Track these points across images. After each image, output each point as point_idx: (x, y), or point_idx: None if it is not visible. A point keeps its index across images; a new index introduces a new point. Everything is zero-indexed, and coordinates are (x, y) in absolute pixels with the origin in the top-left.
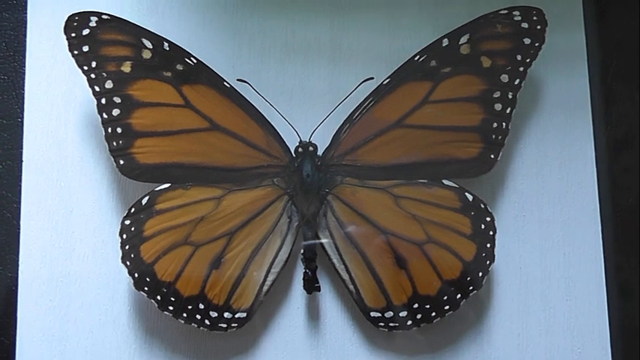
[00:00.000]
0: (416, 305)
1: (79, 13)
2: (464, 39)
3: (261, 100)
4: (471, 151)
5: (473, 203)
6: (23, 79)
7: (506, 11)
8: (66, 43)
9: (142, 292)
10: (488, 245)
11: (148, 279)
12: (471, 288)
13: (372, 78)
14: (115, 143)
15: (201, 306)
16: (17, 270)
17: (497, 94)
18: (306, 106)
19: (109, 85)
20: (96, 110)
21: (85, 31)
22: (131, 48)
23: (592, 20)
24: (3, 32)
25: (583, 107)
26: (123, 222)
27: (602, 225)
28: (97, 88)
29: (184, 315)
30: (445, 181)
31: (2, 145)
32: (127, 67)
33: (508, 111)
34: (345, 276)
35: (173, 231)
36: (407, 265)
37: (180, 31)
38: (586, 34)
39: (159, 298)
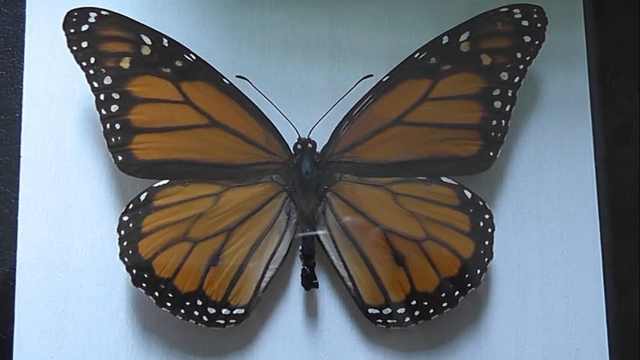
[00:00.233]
0: (414, 302)
1: (77, 8)
2: (464, 36)
3: (261, 97)
4: (471, 148)
5: (472, 200)
6: (21, 74)
7: (506, 9)
8: (65, 38)
9: (140, 288)
10: (487, 242)
11: (146, 275)
12: (469, 285)
13: (372, 75)
14: (113, 139)
15: (200, 302)
16: (15, 266)
17: (496, 92)
18: (306, 102)
19: (107, 81)
20: (94, 106)
21: (84, 27)
22: (130, 44)
23: (592, 18)
24: (1, 27)
25: (582, 105)
26: (121, 218)
27: (600, 222)
28: (95, 84)
29: (182, 311)
30: (444, 179)
31: (0, 140)
32: (125, 63)
33: (507, 109)
34: (344, 273)
35: (171, 227)
36: (405, 262)
37: (179, 27)
38: (586, 33)
39: (157, 294)
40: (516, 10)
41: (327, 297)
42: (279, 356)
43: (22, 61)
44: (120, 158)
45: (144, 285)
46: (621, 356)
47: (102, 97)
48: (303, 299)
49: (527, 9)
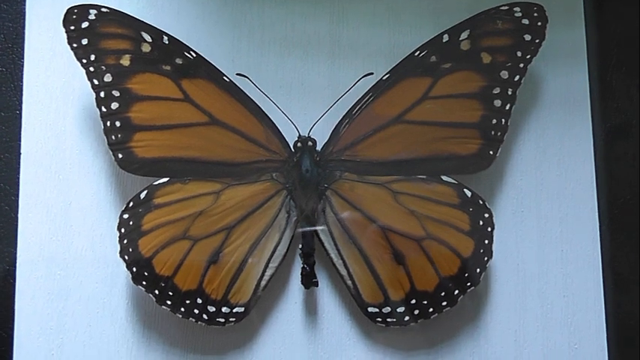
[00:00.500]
0: (413, 301)
1: (78, 5)
2: (464, 35)
3: (261, 95)
4: (471, 147)
5: (471, 199)
6: (22, 71)
7: (506, 7)
8: (65, 36)
9: (140, 286)
10: (487, 241)
11: (146, 273)
12: (468, 284)
13: (372, 73)
14: (113, 137)
15: (199, 300)
16: (15, 263)
17: (497, 91)
18: (306, 100)
19: (108, 78)
20: (95, 103)
21: (84, 24)
22: (130, 41)
23: (592, 17)
24: (1, 24)
25: (582, 104)
26: (121, 216)
27: (599, 221)
28: (95, 82)
29: (182, 309)
30: (444, 177)
31: (0, 137)
32: (126, 61)
33: (508, 107)
34: (343, 271)
35: (171, 225)
36: (405, 260)
37: (179, 24)
38: (586, 31)
39: (157, 292)
40: (517, 9)
41: (326, 295)
42: (278, 354)
43: (22, 58)
44: (120, 156)
45: (144, 283)
46: (620, 355)
47: (102, 94)
48: (302, 298)
49: (527, 7)
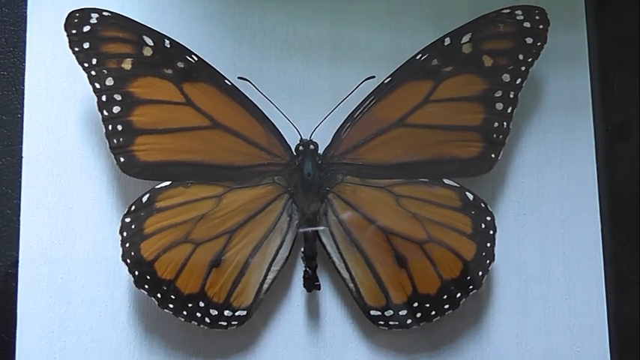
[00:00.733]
0: (416, 304)
1: (79, 9)
2: (466, 38)
3: (262, 98)
4: (472, 150)
5: (473, 202)
6: (23, 74)
7: (508, 10)
8: (66, 39)
9: (143, 290)
10: (489, 244)
11: (148, 277)
12: (470, 287)
13: (374, 77)
14: (115, 141)
15: (202, 304)
16: (17, 266)
17: (498, 94)
18: (307, 104)
19: (109, 82)
20: (96, 107)
21: (86, 28)
22: (132, 45)
23: (593, 20)
24: (3, 27)
25: (584, 107)
26: (123, 219)
27: (601, 224)
28: (97, 85)
29: (184, 313)
30: (446, 180)
31: (2, 141)
32: (127, 65)
33: (509, 110)
34: (345, 274)
35: (173, 229)
36: (407, 263)
37: (180, 27)
38: (588, 34)
39: (159, 295)
40: (518, 12)
41: (328, 298)
42: (281, 358)
43: (24, 62)
44: (122, 160)
45: (146, 286)
46: (622, 358)
47: (104, 98)
48: (305, 301)
49: (529, 10)
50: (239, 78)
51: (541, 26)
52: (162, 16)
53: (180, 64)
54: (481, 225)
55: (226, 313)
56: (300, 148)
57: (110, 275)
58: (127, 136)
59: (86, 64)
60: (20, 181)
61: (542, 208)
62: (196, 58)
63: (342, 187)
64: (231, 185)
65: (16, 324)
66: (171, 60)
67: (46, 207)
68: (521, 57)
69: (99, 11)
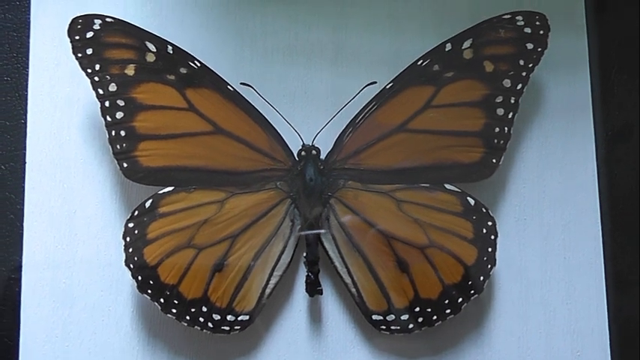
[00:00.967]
0: (417, 309)
1: (82, 15)
2: (467, 44)
3: (264, 104)
4: (473, 155)
5: (474, 207)
6: (26, 80)
7: (509, 16)
8: (70, 45)
9: (146, 295)
10: (490, 249)
11: (151, 281)
12: (472, 292)
13: (375, 82)
14: (118, 146)
15: (204, 309)
16: (20, 271)
17: (499, 99)
18: (309, 109)
19: (112, 87)
20: (99, 112)
21: (89, 34)
22: (135, 51)
23: (594, 25)
24: (6, 33)
25: (584, 112)
26: (126, 225)
27: (602, 229)
28: (100, 91)
29: (187, 317)
30: (447, 186)
31: (5, 146)
32: (130, 70)
33: (510, 116)
34: (347, 279)
35: (176, 234)
36: (409, 268)
37: (183, 33)
38: (588, 39)
39: (162, 300)
40: (519, 17)
41: (331, 303)
42: None
43: (27, 68)
44: (125, 165)
45: (149, 291)
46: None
47: (107, 104)
48: (307, 305)
49: (529, 16)
50: (241, 84)
51: (542, 32)
52: (165, 22)
53: (183, 70)
54: (482, 230)
55: (229, 317)
56: (303, 153)
57: (113, 280)
58: (130, 142)
59: (89, 70)
60: (24, 187)
61: (542, 213)
62: (199, 64)
63: (344, 192)
64: (233, 190)
65: (19, 328)
66: (174, 66)
67: (49, 212)
68: (521, 62)
69: (102, 17)
